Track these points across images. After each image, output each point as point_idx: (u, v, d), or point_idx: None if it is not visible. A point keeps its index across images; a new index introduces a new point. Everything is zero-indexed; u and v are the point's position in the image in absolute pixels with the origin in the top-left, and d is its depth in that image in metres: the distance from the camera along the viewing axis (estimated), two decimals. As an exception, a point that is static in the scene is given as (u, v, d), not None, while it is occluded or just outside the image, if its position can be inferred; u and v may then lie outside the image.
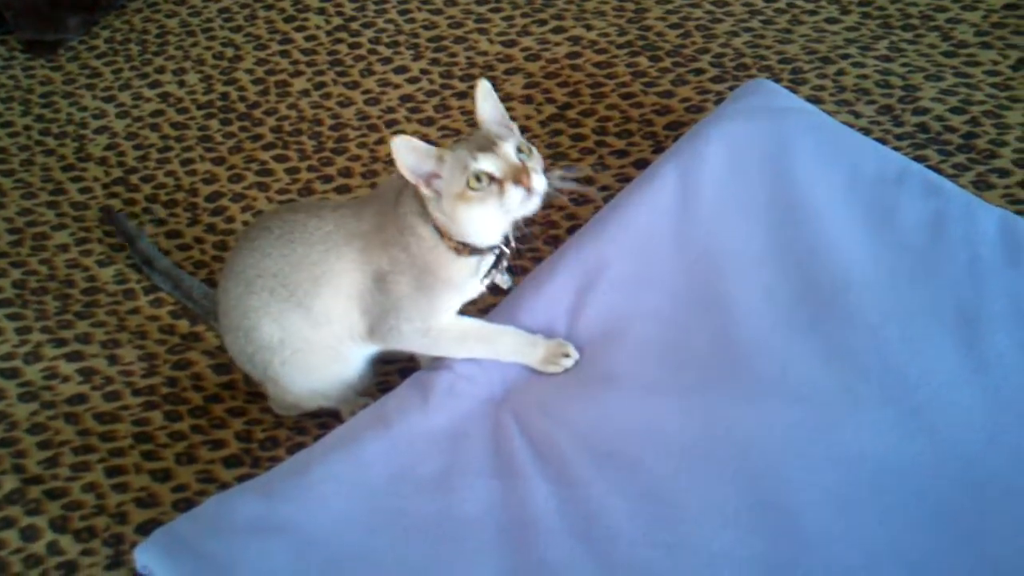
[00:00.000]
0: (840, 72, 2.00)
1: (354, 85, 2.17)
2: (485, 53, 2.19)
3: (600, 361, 1.49)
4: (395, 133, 1.40)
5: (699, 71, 2.06)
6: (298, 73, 2.22)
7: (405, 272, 1.40)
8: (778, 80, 1.98)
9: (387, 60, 2.21)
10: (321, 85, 2.18)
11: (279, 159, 2.04)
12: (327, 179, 1.98)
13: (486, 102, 1.40)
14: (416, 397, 1.45)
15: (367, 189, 1.94)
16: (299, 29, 2.32)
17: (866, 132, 1.85)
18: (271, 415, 1.63)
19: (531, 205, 1.33)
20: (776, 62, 2.05)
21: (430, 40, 2.24)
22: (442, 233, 1.38)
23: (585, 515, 1.32)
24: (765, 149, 1.65)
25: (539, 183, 1.33)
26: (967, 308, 1.43)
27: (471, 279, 1.44)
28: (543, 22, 2.24)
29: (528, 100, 2.06)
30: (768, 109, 1.73)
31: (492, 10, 2.29)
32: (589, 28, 2.20)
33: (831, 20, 2.14)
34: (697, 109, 1.96)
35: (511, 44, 2.20)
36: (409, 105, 2.10)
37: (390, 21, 2.30)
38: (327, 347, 1.47)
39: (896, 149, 1.79)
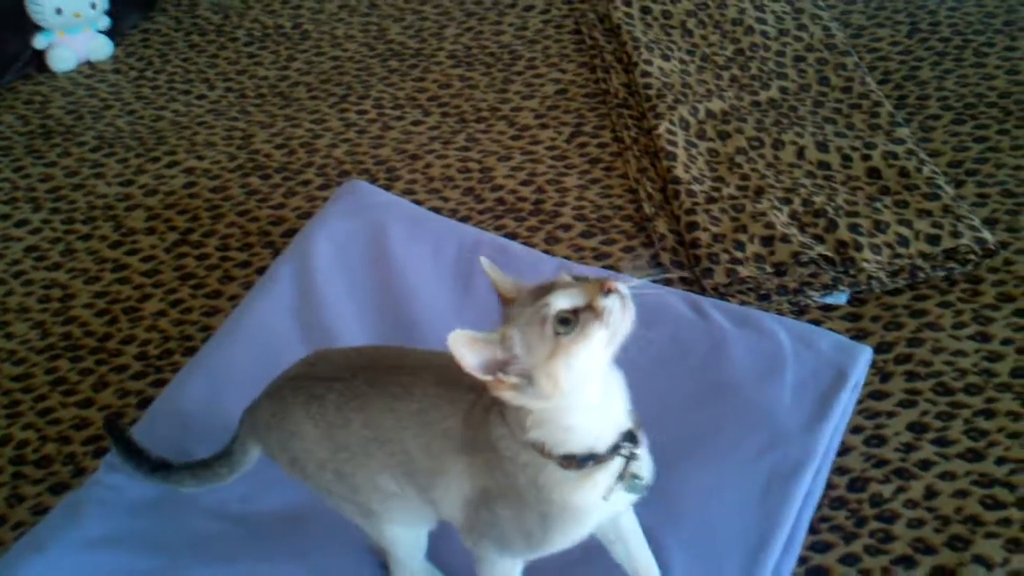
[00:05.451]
0: (428, 165, 2.30)
1: (-25, 245, 2.22)
2: (104, 195, 2.31)
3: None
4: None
5: (306, 182, 2.29)
6: (-87, 242, 2.24)
7: (511, 498, 1.21)
8: (375, 179, 2.26)
9: (6, 216, 2.27)
10: (-60, 250, 2.21)
11: (-96, 328, 2.04)
12: (-42, 338, 2.01)
13: (497, 273, 1.18)
14: (67, 517, 1.51)
15: (2, 340, 1.99)
16: (-90, 199, 2.34)
17: (454, 212, 2.15)
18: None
19: (631, 314, 1.11)
20: (373, 164, 2.32)
21: (48, 191, 2.33)
22: (543, 451, 1.16)
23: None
24: (364, 240, 1.90)
25: (621, 286, 1.11)
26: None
27: (596, 500, 1.19)
28: (157, 159, 2.40)
29: (151, 231, 2.20)
30: (364, 205, 1.99)
31: (107, 155, 2.42)
32: (201, 158, 2.39)
33: (416, 122, 2.45)
34: (308, 215, 2.18)
35: (129, 183, 2.34)
36: (35, 255, 2.17)
37: (5, 180, 2.37)
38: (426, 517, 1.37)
39: (480, 223, 2.10)
